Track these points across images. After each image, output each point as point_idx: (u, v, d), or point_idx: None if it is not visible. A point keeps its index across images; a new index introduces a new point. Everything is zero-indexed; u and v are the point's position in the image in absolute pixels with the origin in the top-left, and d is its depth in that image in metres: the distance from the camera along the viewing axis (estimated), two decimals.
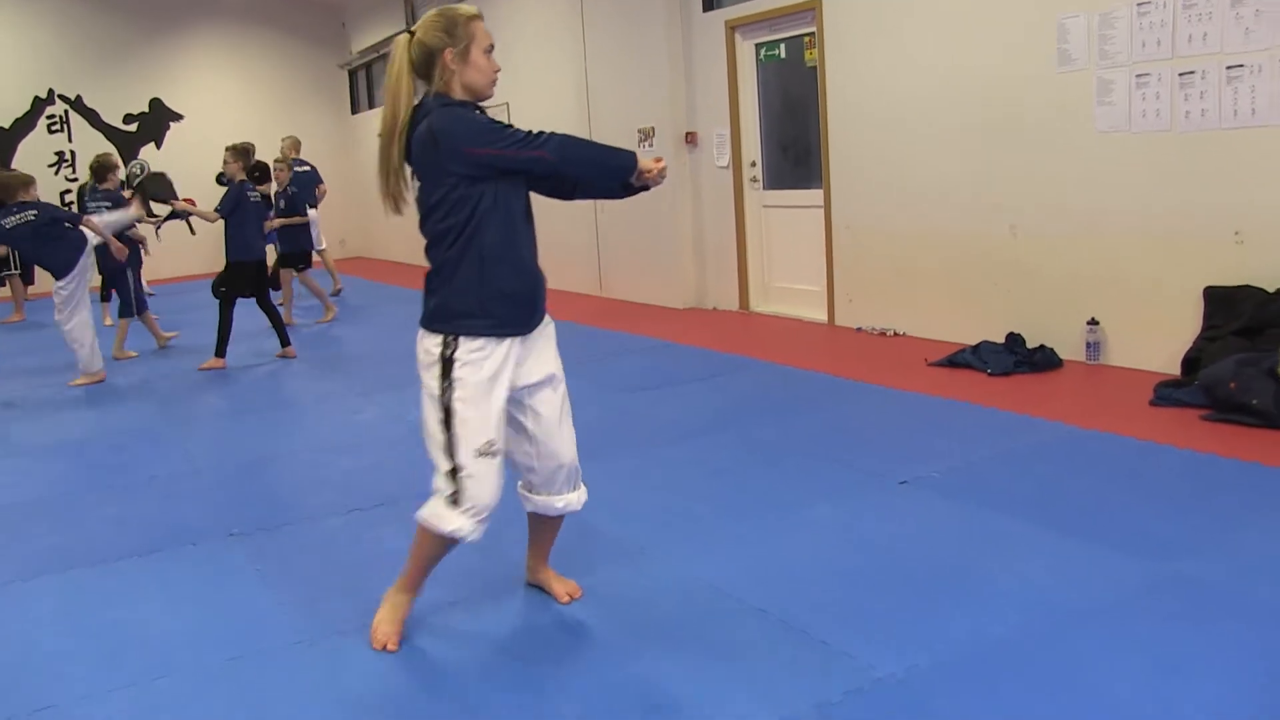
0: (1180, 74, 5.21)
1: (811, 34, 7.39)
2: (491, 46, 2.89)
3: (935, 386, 5.59)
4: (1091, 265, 5.77)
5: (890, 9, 6.76)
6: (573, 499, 3.07)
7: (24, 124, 14.87)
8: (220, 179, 8.32)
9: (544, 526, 3.19)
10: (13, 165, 14.20)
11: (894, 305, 7.06)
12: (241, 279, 7.57)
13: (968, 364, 5.94)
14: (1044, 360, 5.80)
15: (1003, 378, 5.70)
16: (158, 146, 15.41)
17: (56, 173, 14.81)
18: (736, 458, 4.54)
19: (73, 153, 15.04)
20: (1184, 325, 5.30)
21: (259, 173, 12.59)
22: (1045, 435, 4.62)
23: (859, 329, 7.31)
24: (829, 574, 3.28)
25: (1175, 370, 5.25)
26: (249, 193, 7.46)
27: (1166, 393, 4.98)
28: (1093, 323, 5.76)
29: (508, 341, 2.80)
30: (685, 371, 6.47)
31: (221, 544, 3.96)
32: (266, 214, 8.38)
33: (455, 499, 2.81)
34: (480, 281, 2.76)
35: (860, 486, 4.06)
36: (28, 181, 7.39)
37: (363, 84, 16.45)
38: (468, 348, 2.76)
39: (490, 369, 2.77)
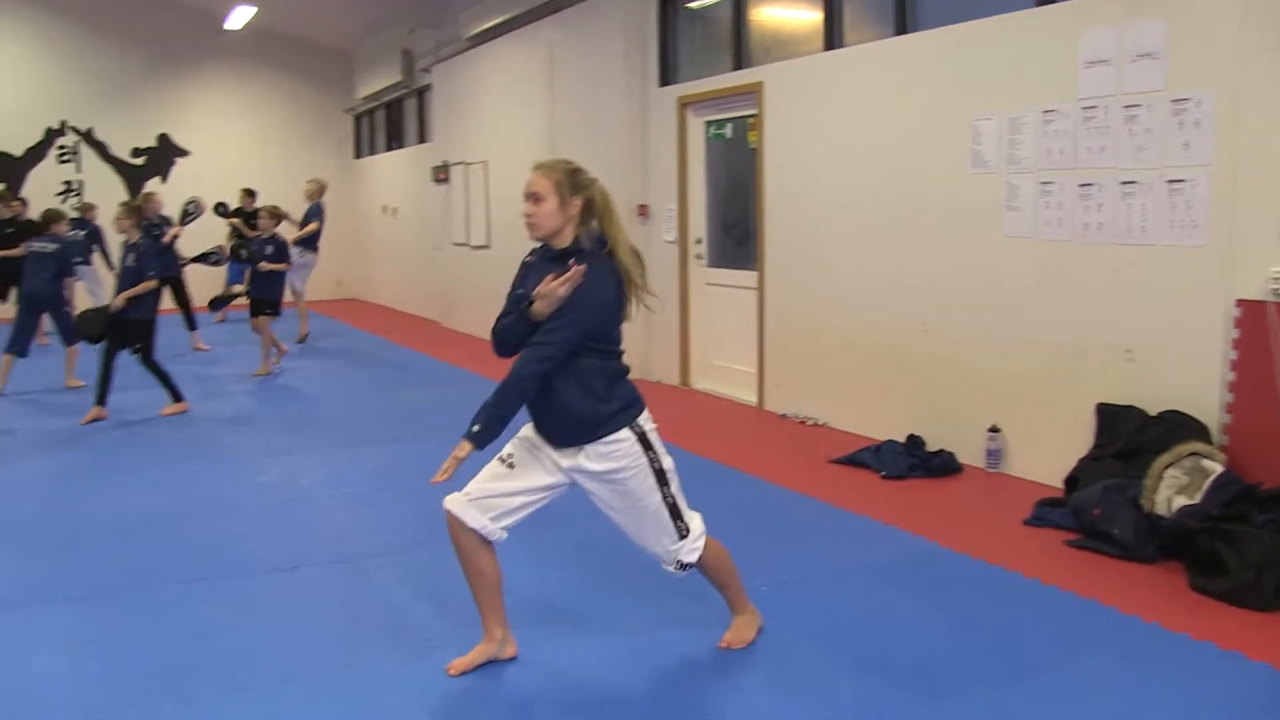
0: (1081, 185, 5.11)
1: (755, 115, 7.36)
2: (526, 194, 3.16)
3: (825, 487, 5.47)
4: (996, 371, 5.65)
5: (822, 95, 6.73)
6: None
7: (35, 153, 15.20)
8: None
9: None
10: (21, 192, 14.48)
11: (817, 394, 6.96)
12: (152, 334, 7.51)
13: (866, 464, 5.81)
14: (941, 465, 5.66)
15: (896, 481, 5.57)
16: (163, 181, 15.64)
17: (64, 201, 15.03)
18: (571, 555, 4.42)
19: (80, 182, 15.33)
20: (1080, 440, 5.14)
21: (250, 220, 12.76)
22: (900, 552, 4.49)
23: (783, 415, 7.21)
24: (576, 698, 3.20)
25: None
26: (146, 246, 7.45)
27: (1043, 512, 4.84)
28: (994, 430, 5.62)
29: None
30: None
31: (53, 609, 3.94)
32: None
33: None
34: None
35: (682, 599, 3.94)
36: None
37: (366, 129, 16.64)
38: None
39: None
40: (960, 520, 4.91)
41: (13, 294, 10.09)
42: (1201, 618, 3.72)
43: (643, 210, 8.58)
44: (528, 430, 3.31)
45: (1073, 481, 4.94)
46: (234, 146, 16.04)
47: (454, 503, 3.21)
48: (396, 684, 3.29)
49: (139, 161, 15.75)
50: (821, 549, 4.57)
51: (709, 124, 8.01)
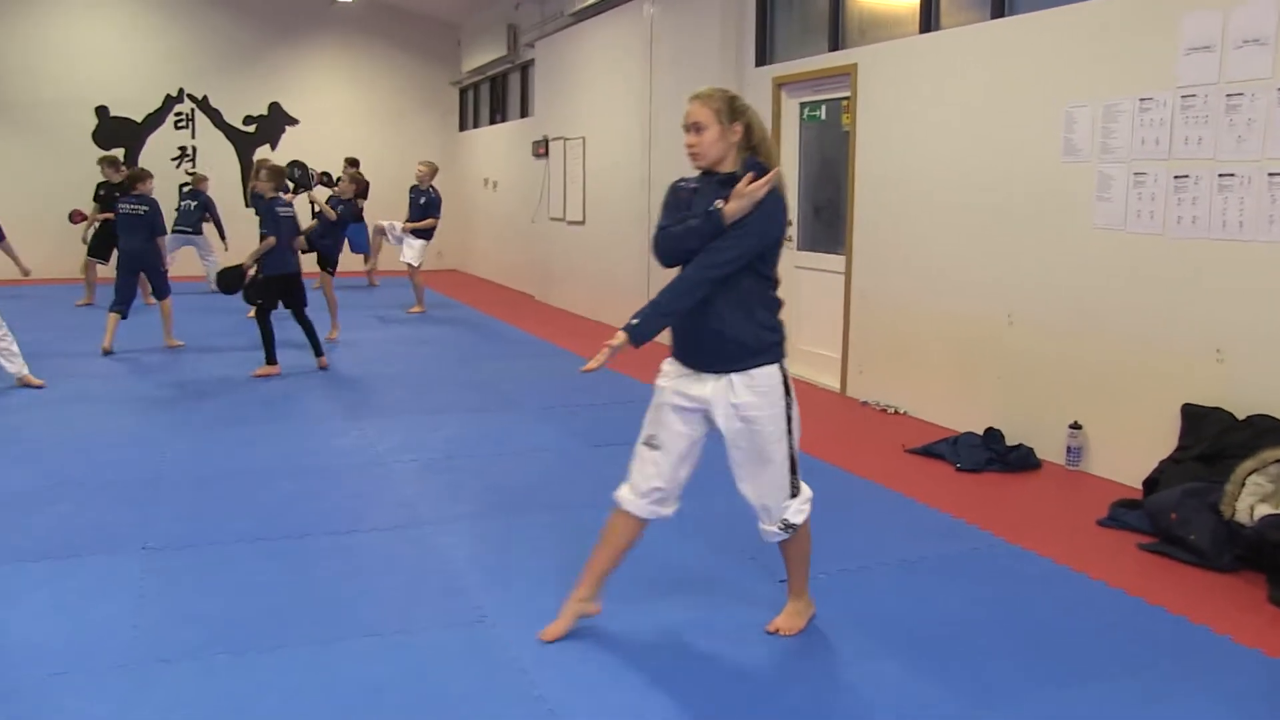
0: (1175, 176, 4.92)
1: (848, 98, 7.24)
2: (686, 126, 3.18)
3: (899, 477, 5.38)
4: (1080, 366, 5.49)
5: (916, 78, 6.58)
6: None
7: (155, 119, 15.72)
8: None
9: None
10: (139, 156, 15.07)
11: (899, 382, 6.85)
12: (275, 292, 7.82)
13: (942, 455, 5.70)
14: (1018, 460, 5.52)
15: (971, 474, 5.46)
16: (273, 148, 16.04)
17: (178, 166, 15.57)
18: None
19: (194, 148, 15.83)
20: (1163, 441, 4.97)
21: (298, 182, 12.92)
22: (964, 546, 4.40)
23: (865, 403, 7.11)
24: (607, 669, 3.21)
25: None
26: (279, 209, 7.72)
27: (1118, 513, 4.69)
28: (1075, 426, 5.46)
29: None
30: None
31: (128, 558, 4.11)
32: (297, 228, 8.56)
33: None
34: None
35: (743, 582, 3.93)
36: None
37: (471, 102, 16.82)
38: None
39: None
40: (1032, 517, 4.80)
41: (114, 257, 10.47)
42: (1278, 633, 3.57)
43: None
44: (659, 395, 3.29)
45: (1152, 483, 4.78)
46: (341, 116, 16.40)
47: (632, 505, 3.32)
48: (445, 650, 3.35)
49: (250, 129, 16.19)
50: (887, 539, 4.50)
51: (803, 105, 7.90)
